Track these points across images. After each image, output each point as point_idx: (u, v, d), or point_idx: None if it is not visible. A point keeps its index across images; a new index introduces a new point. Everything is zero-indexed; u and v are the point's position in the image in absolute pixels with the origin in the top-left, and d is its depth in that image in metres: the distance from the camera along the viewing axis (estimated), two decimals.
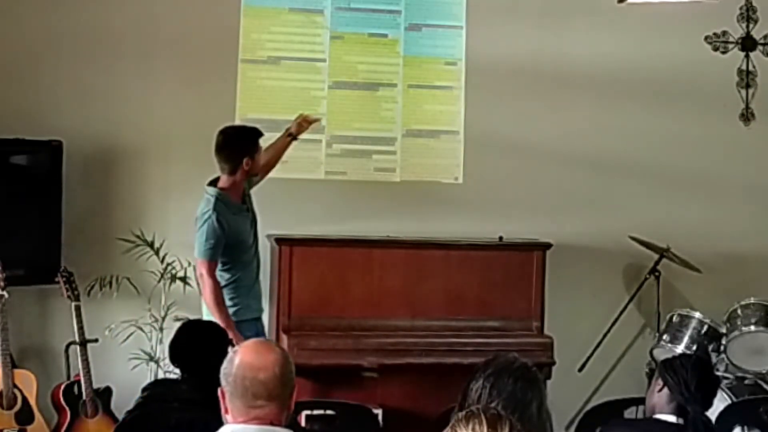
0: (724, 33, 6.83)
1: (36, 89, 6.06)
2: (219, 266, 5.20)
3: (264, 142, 5.37)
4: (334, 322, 5.80)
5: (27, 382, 5.57)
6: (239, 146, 5.25)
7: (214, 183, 5.26)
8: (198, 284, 5.40)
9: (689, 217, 6.67)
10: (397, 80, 6.57)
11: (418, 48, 6.61)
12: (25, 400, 5.52)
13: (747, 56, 6.86)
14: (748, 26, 6.87)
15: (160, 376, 5.72)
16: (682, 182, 6.73)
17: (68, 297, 5.66)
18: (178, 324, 4.60)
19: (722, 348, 5.98)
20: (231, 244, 5.18)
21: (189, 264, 5.98)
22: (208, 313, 5.17)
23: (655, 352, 6.07)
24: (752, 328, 5.97)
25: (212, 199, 5.15)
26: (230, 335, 4.89)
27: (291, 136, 5.67)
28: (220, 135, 5.30)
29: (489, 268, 6.06)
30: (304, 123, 5.71)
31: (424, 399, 5.50)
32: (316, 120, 5.87)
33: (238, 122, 6.30)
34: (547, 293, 6.08)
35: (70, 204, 5.92)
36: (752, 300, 6.06)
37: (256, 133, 5.33)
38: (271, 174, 5.66)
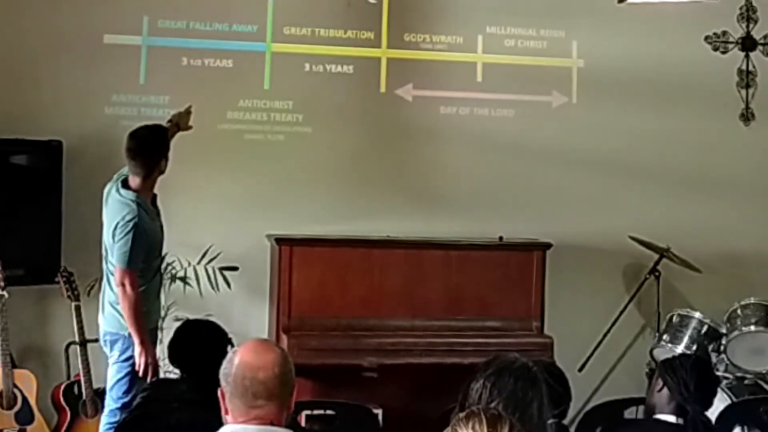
0: (724, 33, 6.84)
1: (36, 89, 6.07)
2: None
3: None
4: (334, 322, 5.80)
5: (27, 382, 5.57)
6: (155, 149, 5.04)
7: (125, 184, 5.03)
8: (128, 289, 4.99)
9: (689, 217, 6.67)
10: None
11: None
12: (25, 400, 5.53)
13: (747, 56, 6.87)
14: (748, 26, 6.87)
15: (161, 376, 5.72)
16: (682, 182, 6.73)
17: (68, 297, 5.66)
18: (178, 324, 4.61)
19: (722, 348, 5.98)
20: (148, 251, 5.02)
21: (189, 264, 5.99)
22: (113, 319, 5.08)
23: (655, 352, 6.07)
24: (752, 328, 5.97)
25: (134, 205, 4.93)
26: (140, 349, 4.90)
27: (178, 128, 5.39)
28: (133, 139, 5.02)
29: (489, 268, 6.06)
30: (186, 114, 5.45)
31: (424, 399, 5.50)
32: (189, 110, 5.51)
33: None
34: (547, 293, 6.08)
35: (70, 204, 5.92)
36: (752, 300, 6.07)
37: (166, 132, 5.15)
38: None
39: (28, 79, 6.07)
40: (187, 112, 5.43)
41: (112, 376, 5.04)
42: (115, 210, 4.98)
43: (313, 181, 6.37)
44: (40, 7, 6.08)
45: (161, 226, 5.19)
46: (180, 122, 5.40)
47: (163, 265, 5.82)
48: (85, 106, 6.12)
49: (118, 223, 4.93)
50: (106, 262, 5.08)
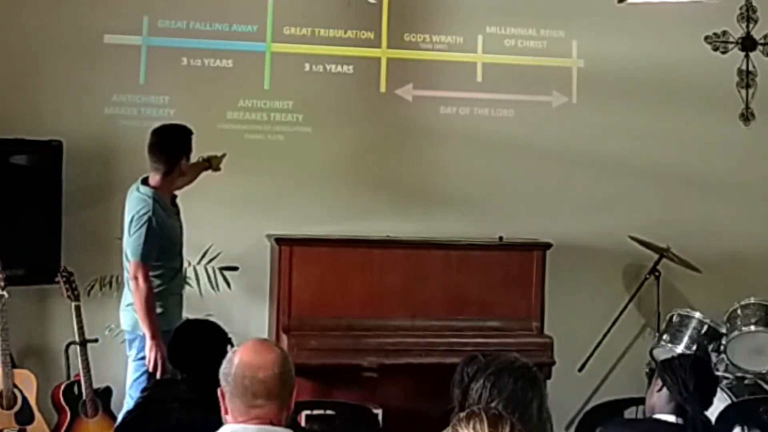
0: (724, 33, 6.84)
1: (36, 89, 6.07)
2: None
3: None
4: (334, 322, 5.79)
5: (27, 382, 5.57)
6: (177, 146, 5.10)
7: (145, 182, 5.09)
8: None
9: (689, 217, 6.67)
10: None
11: None
12: (25, 400, 5.53)
13: (747, 56, 6.87)
14: (748, 26, 6.87)
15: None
16: (682, 182, 6.73)
17: (68, 297, 5.66)
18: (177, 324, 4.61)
19: (722, 348, 5.99)
20: (164, 247, 5.04)
21: (189, 264, 5.98)
22: (131, 319, 5.09)
23: (655, 352, 6.07)
24: (752, 328, 5.97)
25: (149, 200, 4.99)
26: (150, 344, 4.90)
27: (209, 166, 5.55)
28: (155, 135, 5.12)
29: (489, 268, 6.06)
30: (221, 158, 5.59)
31: (424, 399, 5.49)
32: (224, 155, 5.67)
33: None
34: (547, 293, 6.07)
35: (70, 204, 5.92)
36: (752, 300, 6.07)
37: (190, 132, 5.18)
38: None
39: (28, 79, 6.07)
40: (222, 156, 5.58)
41: (130, 375, 5.07)
42: (131, 205, 5.05)
43: (313, 181, 6.37)
44: (40, 7, 6.08)
45: (180, 226, 5.23)
46: (212, 161, 5.55)
47: None
48: (85, 106, 6.12)
49: (133, 217, 4.99)
50: (126, 261, 5.10)
